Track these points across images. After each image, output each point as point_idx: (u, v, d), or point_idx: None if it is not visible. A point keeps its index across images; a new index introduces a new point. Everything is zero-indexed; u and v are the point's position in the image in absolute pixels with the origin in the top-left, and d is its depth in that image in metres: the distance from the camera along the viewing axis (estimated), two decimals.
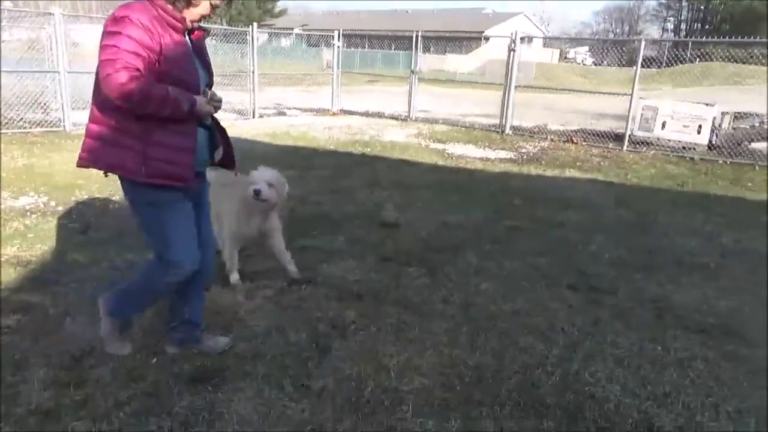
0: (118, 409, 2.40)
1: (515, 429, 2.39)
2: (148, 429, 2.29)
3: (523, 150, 9.78)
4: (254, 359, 2.82)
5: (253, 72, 12.11)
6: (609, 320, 3.42)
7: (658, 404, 2.60)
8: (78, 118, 8.99)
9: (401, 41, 12.77)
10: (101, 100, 2.34)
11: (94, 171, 2.47)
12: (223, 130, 2.69)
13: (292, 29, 46.55)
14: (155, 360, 2.78)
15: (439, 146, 9.84)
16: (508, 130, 11.30)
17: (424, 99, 13.67)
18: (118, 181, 2.48)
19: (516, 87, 11.27)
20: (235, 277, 3.72)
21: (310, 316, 3.29)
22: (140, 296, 2.79)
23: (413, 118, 12.92)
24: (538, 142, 10.52)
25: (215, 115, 2.59)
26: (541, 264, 4.29)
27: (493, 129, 11.59)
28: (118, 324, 2.83)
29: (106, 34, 2.23)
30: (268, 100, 13.86)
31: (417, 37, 13.01)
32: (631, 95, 9.82)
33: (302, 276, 3.78)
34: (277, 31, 41.66)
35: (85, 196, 5.49)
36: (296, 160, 7.78)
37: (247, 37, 12.01)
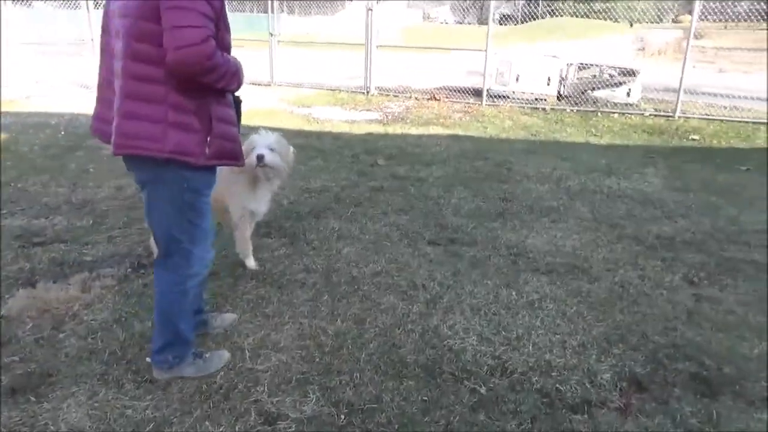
0: None
1: (375, 393, 2.34)
2: None
3: (389, 110, 9.80)
4: (89, 358, 2.53)
5: (92, 39, 10.96)
6: (467, 271, 3.49)
7: (512, 348, 2.68)
8: None
9: (262, 3, 12.14)
10: (147, 73, 1.91)
11: None
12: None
13: None
14: None
15: (304, 111, 9.56)
16: (373, 91, 11.25)
17: (288, 63, 13.20)
18: None
19: (378, 47, 11.21)
20: (251, 262, 3.44)
21: None
22: (176, 311, 2.31)
23: (276, 83, 12.45)
24: (403, 102, 10.60)
25: None
26: (403, 222, 4.29)
27: (358, 90, 11.48)
28: (193, 353, 2.43)
29: None
30: None
31: None
32: (486, 51, 10.13)
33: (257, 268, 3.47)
34: None
35: None
36: None
37: (80, 2, 10.80)
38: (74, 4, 11.18)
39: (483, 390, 2.37)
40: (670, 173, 5.97)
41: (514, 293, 3.21)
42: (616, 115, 9.32)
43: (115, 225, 4.11)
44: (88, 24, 10.88)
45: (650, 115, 9.26)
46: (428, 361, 2.56)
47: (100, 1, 11.44)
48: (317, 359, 2.56)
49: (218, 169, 2.28)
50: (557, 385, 2.41)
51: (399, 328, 2.82)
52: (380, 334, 2.76)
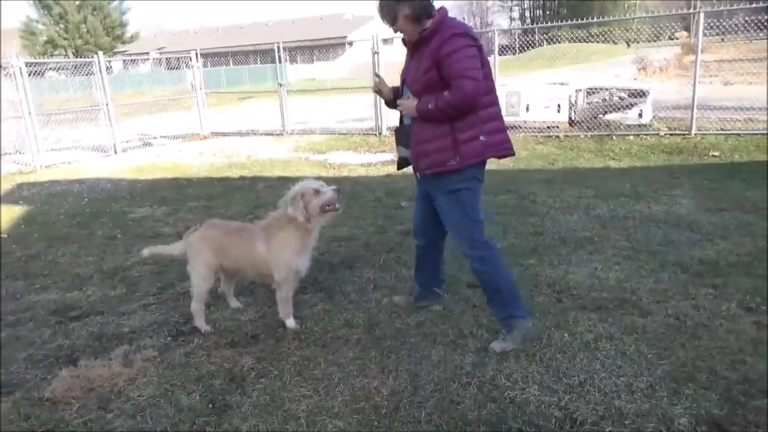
0: None
1: None
2: None
3: None
4: None
5: (107, 104, 11.17)
6: None
7: (576, 395, 2.56)
8: None
9: (266, 54, 12.40)
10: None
11: None
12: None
13: (148, 53, 44.05)
14: None
15: (320, 157, 9.62)
16: (385, 132, 11.32)
17: (298, 111, 13.38)
18: None
19: None
20: (292, 322, 3.35)
21: (202, 371, 2.93)
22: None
23: (289, 132, 12.59)
24: None
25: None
26: None
27: (370, 132, 11.56)
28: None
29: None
30: (131, 131, 12.86)
31: (279, 48, 12.70)
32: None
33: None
34: (133, 57, 39.50)
35: None
36: (167, 194, 7.20)
37: (93, 68, 11.06)
38: (88, 70, 11.43)
39: None
40: (698, 193, 5.87)
41: (566, 335, 3.10)
42: (631, 137, 9.28)
43: (148, 292, 4.07)
44: (102, 89, 11.08)
45: (666, 134, 9.20)
46: (491, 417, 2.44)
47: (111, 68, 11.69)
48: (375, 423, 2.45)
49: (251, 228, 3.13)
50: None
51: (454, 382, 2.71)
52: (436, 390, 2.65)
